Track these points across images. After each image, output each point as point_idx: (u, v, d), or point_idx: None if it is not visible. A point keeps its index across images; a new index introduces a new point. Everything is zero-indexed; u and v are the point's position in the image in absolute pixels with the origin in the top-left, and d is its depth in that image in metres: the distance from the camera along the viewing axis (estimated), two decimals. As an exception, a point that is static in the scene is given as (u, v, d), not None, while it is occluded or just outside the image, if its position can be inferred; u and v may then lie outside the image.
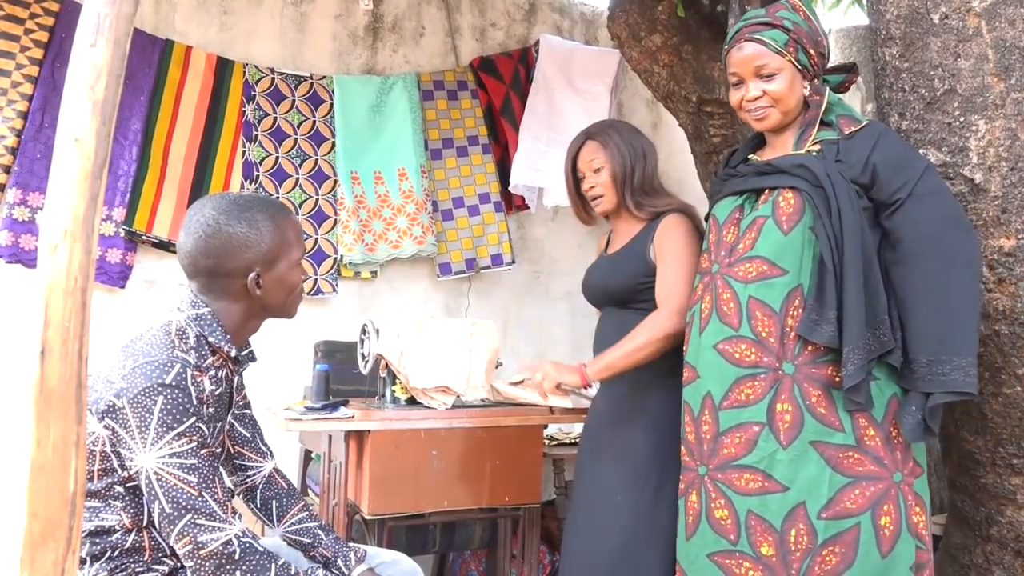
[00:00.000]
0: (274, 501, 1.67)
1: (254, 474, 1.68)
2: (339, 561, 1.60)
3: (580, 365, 1.88)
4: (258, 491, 1.68)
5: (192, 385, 1.34)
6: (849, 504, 1.49)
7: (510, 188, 3.42)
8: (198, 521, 1.29)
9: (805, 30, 1.63)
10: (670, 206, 1.98)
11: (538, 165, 3.33)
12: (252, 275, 1.43)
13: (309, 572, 1.42)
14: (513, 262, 3.55)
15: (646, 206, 1.99)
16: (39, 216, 2.82)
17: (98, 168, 0.91)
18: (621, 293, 1.98)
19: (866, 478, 1.50)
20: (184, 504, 1.29)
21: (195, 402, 1.33)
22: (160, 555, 1.41)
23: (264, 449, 1.70)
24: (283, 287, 1.48)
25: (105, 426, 1.30)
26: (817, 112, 1.64)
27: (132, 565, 1.38)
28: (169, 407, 1.29)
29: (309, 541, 1.62)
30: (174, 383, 1.31)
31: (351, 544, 1.66)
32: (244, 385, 1.66)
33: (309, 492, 2.74)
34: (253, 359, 1.57)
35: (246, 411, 1.68)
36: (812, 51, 1.63)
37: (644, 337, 1.83)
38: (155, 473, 1.29)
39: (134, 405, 1.28)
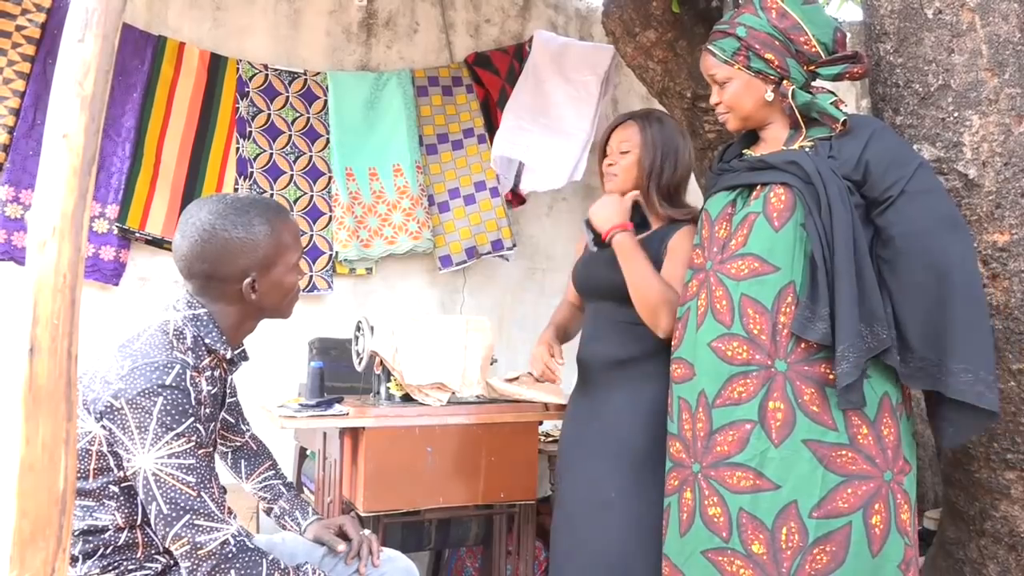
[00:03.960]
0: (243, 460, 1.82)
1: (228, 443, 1.81)
2: (296, 512, 1.75)
3: (625, 225, 1.84)
4: (230, 452, 1.82)
5: (191, 386, 1.34)
6: (841, 503, 1.49)
7: (491, 163, 3.38)
8: (196, 522, 1.29)
9: (765, 34, 1.62)
10: (687, 215, 1.95)
11: (519, 140, 3.27)
12: (248, 280, 1.42)
13: (298, 567, 1.42)
14: (514, 246, 3.53)
15: (667, 209, 1.95)
16: (29, 213, 2.81)
17: (87, 164, 0.91)
18: (624, 292, 1.89)
19: (858, 477, 1.50)
20: (183, 505, 1.29)
21: (193, 403, 1.33)
22: (153, 552, 1.41)
23: (243, 428, 1.81)
24: (279, 290, 1.48)
25: (102, 426, 1.29)
26: (794, 115, 1.64)
27: (124, 563, 1.38)
28: (168, 408, 1.28)
29: (271, 496, 1.79)
30: (174, 384, 1.30)
31: (308, 502, 1.81)
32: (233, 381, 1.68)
33: (304, 489, 2.74)
34: (245, 358, 1.57)
35: (232, 399, 1.73)
36: (771, 55, 1.62)
37: (658, 289, 1.80)
38: (153, 474, 1.28)
39: (132, 406, 1.27)
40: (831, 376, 1.51)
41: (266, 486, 1.79)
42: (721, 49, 1.67)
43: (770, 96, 1.65)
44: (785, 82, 1.64)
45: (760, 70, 1.64)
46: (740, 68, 1.65)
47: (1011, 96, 1.64)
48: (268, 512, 1.80)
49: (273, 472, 1.82)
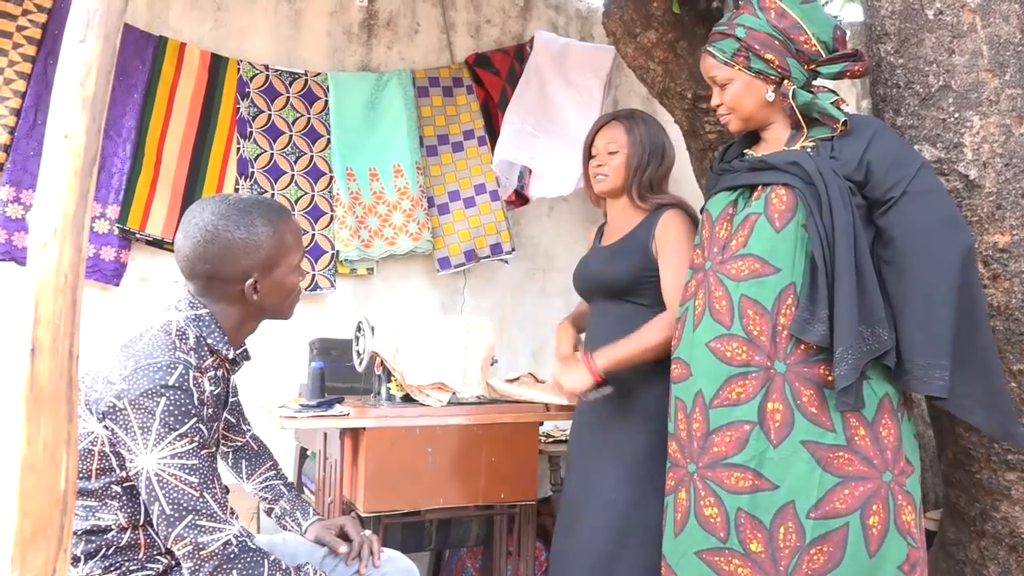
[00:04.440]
0: (244, 460, 1.82)
1: (229, 444, 1.81)
2: (297, 513, 1.75)
3: (585, 358, 1.85)
4: (231, 452, 1.83)
5: (194, 386, 1.34)
6: (838, 504, 1.49)
7: (492, 166, 3.37)
8: (199, 522, 1.29)
9: (764, 34, 1.62)
10: (670, 201, 1.99)
11: (523, 145, 3.26)
12: (250, 281, 1.42)
13: (299, 567, 1.42)
14: (513, 250, 3.54)
15: (649, 200, 1.99)
16: (30, 213, 2.82)
17: (88, 165, 0.91)
18: (619, 284, 1.96)
19: (856, 478, 1.50)
20: (185, 505, 1.29)
21: (196, 403, 1.33)
22: (155, 553, 1.41)
23: (244, 428, 1.81)
24: (281, 291, 1.48)
25: (105, 427, 1.29)
26: (795, 115, 1.64)
27: (126, 563, 1.38)
28: (171, 408, 1.28)
29: (272, 496, 1.79)
30: (177, 384, 1.30)
31: (308, 503, 1.83)
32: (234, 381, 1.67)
33: (305, 490, 2.74)
34: (247, 358, 1.57)
35: (233, 399, 1.73)
36: (771, 55, 1.62)
37: (658, 336, 1.82)
38: (156, 474, 1.28)
39: (135, 407, 1.27)
40: (830, 378, 1.51)
41: (267, 486, 1.80)
42: (721, 51, 1.66)
43: (771, 96, 1.65)
44: (786, 82, 1.64)
45: (760, 70, 1.63)
46: (740, 69, 1.65)
47: (1012, 97, 1.64)
48: (269, 512, 1.80)
49: (274, 472, 1.82)
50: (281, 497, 1.78)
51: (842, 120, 1.58)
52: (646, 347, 1.83)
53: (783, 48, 1.62)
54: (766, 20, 1.63)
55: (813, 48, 1.63)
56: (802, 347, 1.53)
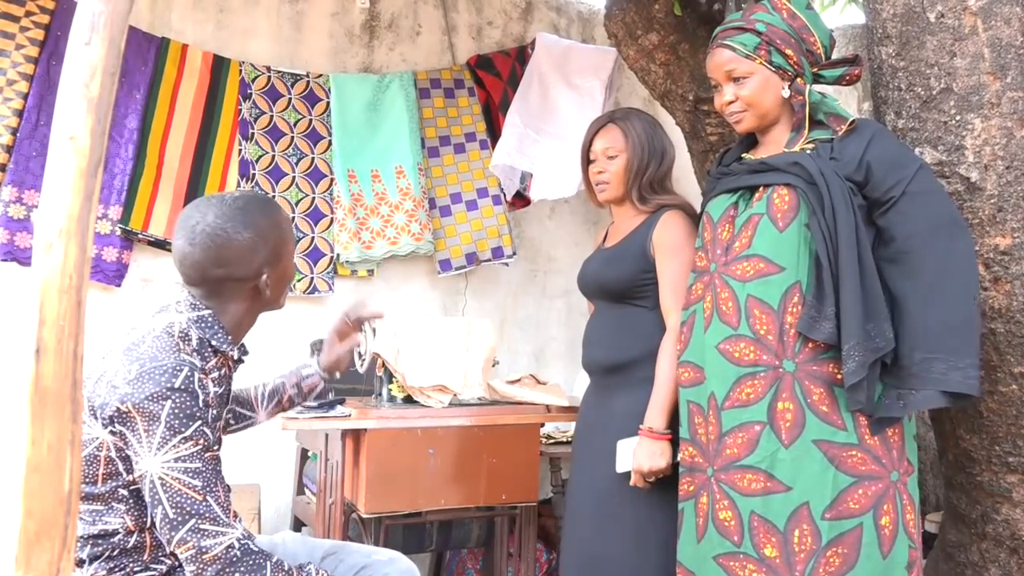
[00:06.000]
0: (242, 411, 1.84)
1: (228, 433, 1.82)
2: (299, 371, 1.87)
3: (644, 432, 1.78)
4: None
5: (199, 388, 1.34)
6: (852, 504, 1.49)
7: (490, 168, 3.37)
8: (201, 526, 1.29)
9: (782, 30, 1.63)
10: (672, 202, 1.97)
11: (525, 150, 3.26)
12: (264, 276, 1.45)
13: (301, 567, 1.42)
14: (514, 254, 3.54)
15: (650, 201, 1.98)
16: (34, 214, 2.82)
17: (93, 166, 0.91)
18: (617, 287, 1.95)
19: (868, 477, 1.50)
20: (188, 509, 1.28)
21: (201, 405, 1.33)
22: (159, 554, 1.41)
23: (250, 414, 1.85)
24: (284, 281, 1.52)
25: (111, 432, 1.29)
26: (803, 113, 1.64)
27: (130, 564, 1.38)
28: (176, 412, 1.28)
29: (279, 389, 1.85)
30: (183, 387, 1.30)
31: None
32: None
33: (306, 491, 2.74)
34: (247, 353, 1.57)
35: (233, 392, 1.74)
36: (790, 51, 1.63)
37: (671, 364, 1.80)
38: (160, 478, 1.28)
39: (141, 411, 1.27)
40: (839, 375, 1.51)
41: (270, 392, 1.84)
42: (742, 44, 1.66)
43: (787, 93, 1.65)
44: (799, 79, 1.65)
45: (780, 65, 1.64)
46: (762, 63, 1.64)
47: (1013, 100, 1.64)
48: (290, 403, 1.87)
49: (263, 384, 1.85)
50: (284, 382, 1.85)
51: (850, 120, 1.59)
52: (669, 379, 1.79)
53: (797, 47, 1.64)
54: (780, 18, 1.65)
55: (819, 50, 1.66)
56: (810, 345, 1.53)
